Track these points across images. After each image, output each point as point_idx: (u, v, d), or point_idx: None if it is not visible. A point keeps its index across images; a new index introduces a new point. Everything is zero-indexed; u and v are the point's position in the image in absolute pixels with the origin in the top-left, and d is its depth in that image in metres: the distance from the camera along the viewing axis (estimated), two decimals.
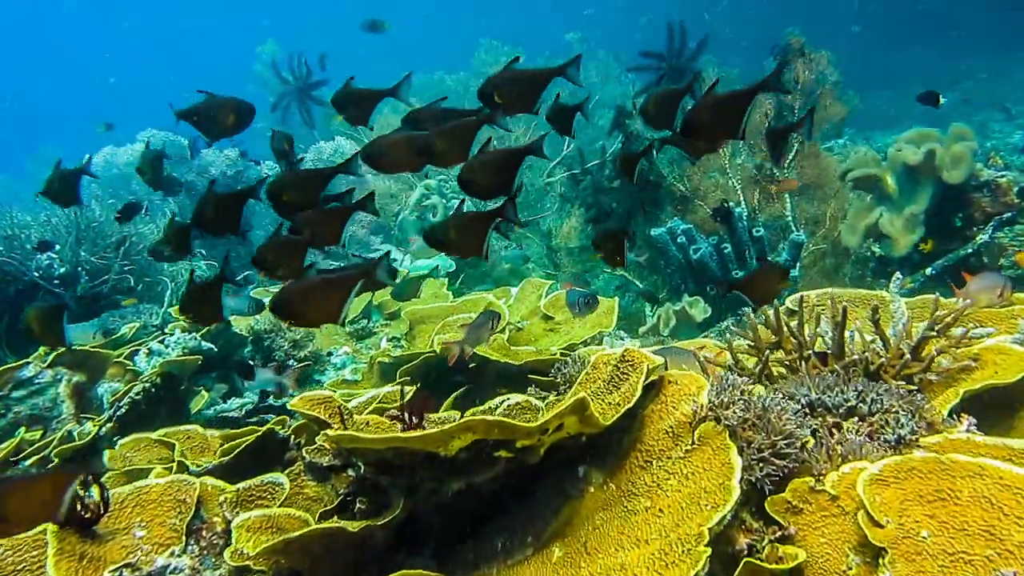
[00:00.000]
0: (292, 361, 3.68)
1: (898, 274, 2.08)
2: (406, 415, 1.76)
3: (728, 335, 3.37)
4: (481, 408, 2.09)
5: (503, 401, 2.07)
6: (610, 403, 1.61)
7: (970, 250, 4.05)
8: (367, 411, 2.05)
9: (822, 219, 4.72)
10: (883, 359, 1.86)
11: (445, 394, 3.22)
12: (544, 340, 3.65)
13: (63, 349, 2.65)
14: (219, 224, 2.05)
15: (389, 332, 4.01)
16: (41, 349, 2.94)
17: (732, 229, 4.51)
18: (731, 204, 4.55)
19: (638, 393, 1.55)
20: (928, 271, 4.01)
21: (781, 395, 1.83)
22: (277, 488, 1.72)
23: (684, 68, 4.93)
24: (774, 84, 1.82)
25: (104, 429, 2.41)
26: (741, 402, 1.52)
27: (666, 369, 2.37)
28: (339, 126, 5.84)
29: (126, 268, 3.97)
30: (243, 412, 3.09)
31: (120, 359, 3.16)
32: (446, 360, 3.24)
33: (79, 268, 3.79)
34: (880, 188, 4.23)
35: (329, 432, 1.47)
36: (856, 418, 1.71)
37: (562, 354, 3.21)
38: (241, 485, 1.71)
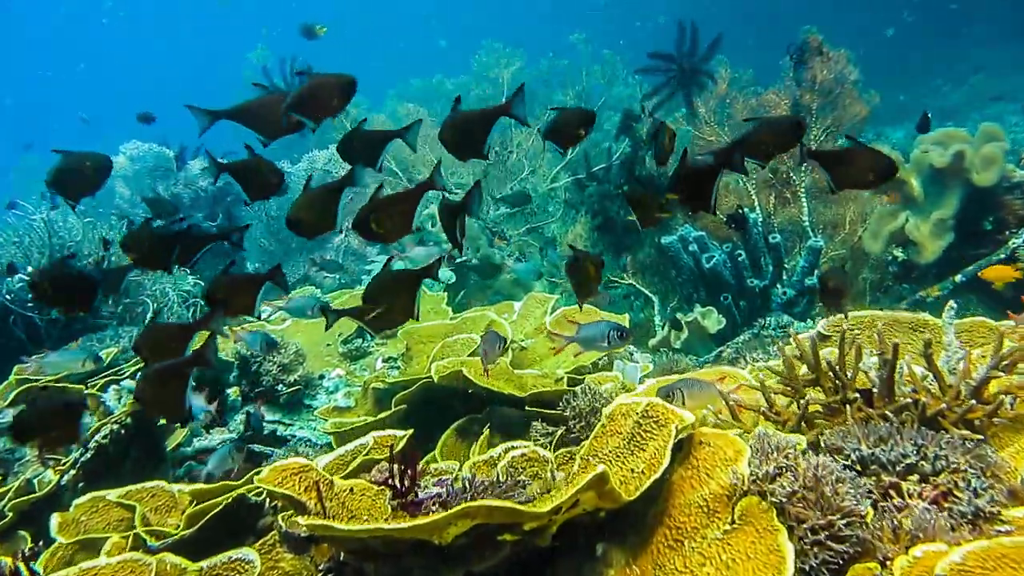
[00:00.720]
0: (281, 386, 3.45)
1: (952, 304, 1.84)
2: (396, 479, 1.53)
3: (751, 362, 3.13)
4: (482, 459, 1.85)
5: (506, 450, 1.83)
6: (633, 470, 1.37)
7: (1003, 255, 3.80)
8: (354, 463, 1.81)
9: (841, 223, 4.48)
10: (942, 405, 1.61)
11: (444, 423, 2.99)
12: (550, 361, 3.41)
13: (26, 386, 2.42)
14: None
15: (384, 352, 3.77)
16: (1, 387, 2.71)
17: (747, 236, 4.26)
18: (745, 209, 4.31)
19: (666, 461, 1.31)
20: (958, 278, 3.77)
21: (827, 448, 1.59)
22: (247, 567, 1.48)
23: (696, 69, 4.68)
24: (738, 165, 1.87)
25: (67, 478, 2.18)
26: (789, 472, 1.27)
27: (683, 404, 2.14)
28: (333, 134, 5.61)
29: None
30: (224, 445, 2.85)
31: (93, 391, 2.93)
32: (444, 387, 3.02)
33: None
34: (904, 191, 3.98)
35: (302, 520, 1.24)
36: (917, 477, 1.47)
37: (570, 379, 2.98)
38: (205, 564, 1.48)
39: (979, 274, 3.67)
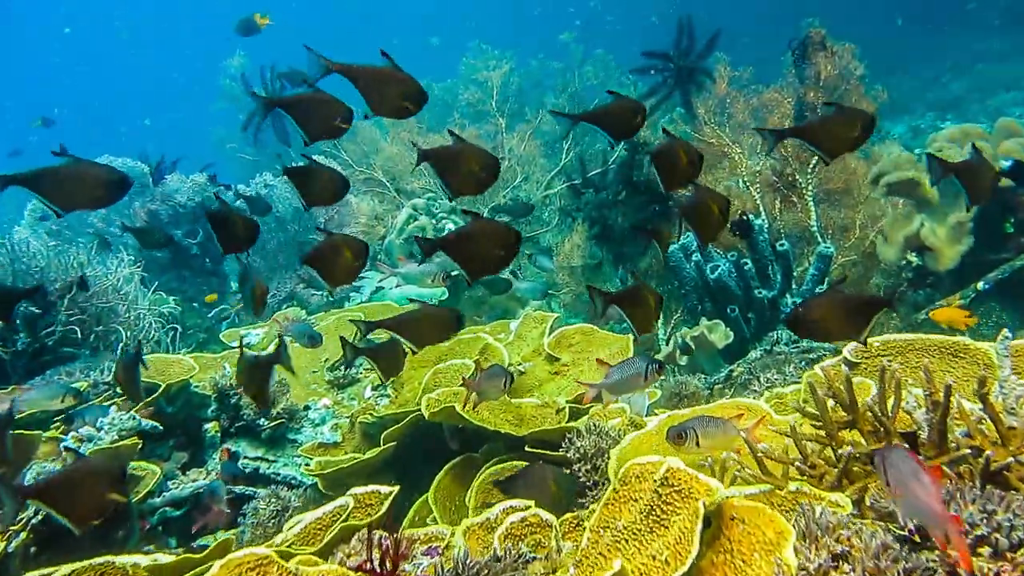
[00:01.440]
0: (263, 420, 3.22)
1: (1006, 332, 1.62)
2: (376, 562, 1.31)
3: (765, 385, 2.91)
4: (478, 522, 1.62)
5: (505, 512, 1.61)
6: (654, 556, 1.14)
7: None
8: (331, 533, 1.59)
9: (851, 227, 4.27)
10: (1009, 458, 1.39)
11: (437, 462, 2.77)
12: (549, 386, 3.19)
13: None
14: None
15: (374, 378, 3.54)
16: None
17: (753, 243, 4.05)
18: (750, 215, 4.09)
19: (694, 550, 1.09)
20: (981, 285, 3.55)
21: (875, 512, 1.37)
22: None
23: (693, 68, 4.46)
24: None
25: (13, 545, 1.95)
26: (845, 563, 1.05)
27: (697, 445, 1.92)
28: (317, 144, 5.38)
29: (74, 318, 3.50)
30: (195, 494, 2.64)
31: (56, 433, 2.70)
32: (436, 422, 2.80)
33: (16, 320, 3.33)
34: (918, 193, 3.77)
35: None
36: (989, 551, 1.25)
37: (572, 408, 2.75)
38: None
39: (929, 314, 3.46)
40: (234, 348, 4.15)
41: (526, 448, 2.32)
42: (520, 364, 3.36)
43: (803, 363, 3.33)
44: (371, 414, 2.96)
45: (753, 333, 4.10)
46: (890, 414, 1.61)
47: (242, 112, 6.19)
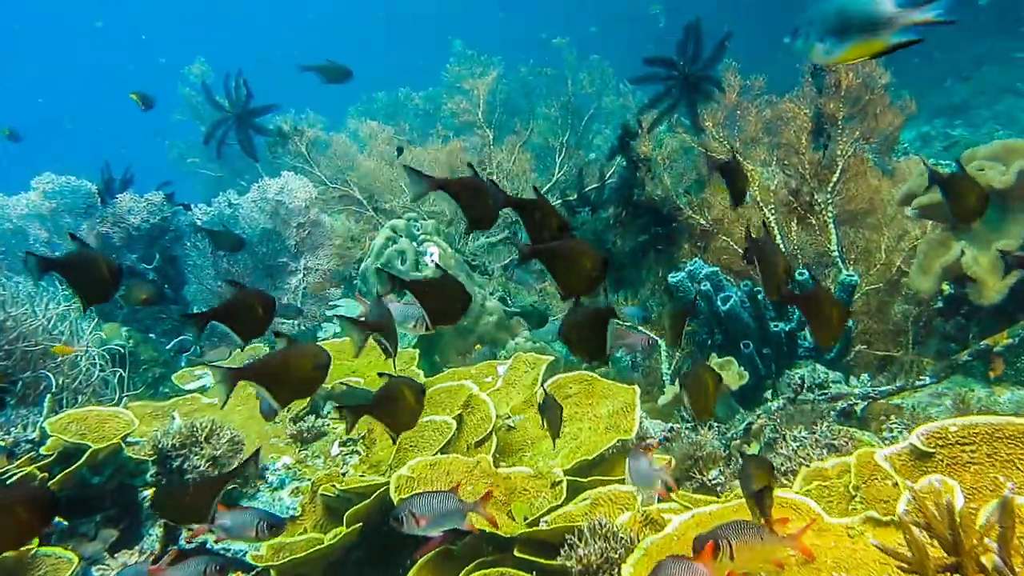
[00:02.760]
0: None
1: None
2: None
3: (798, 451, 2.48)
4: None
5: None
6: None
7: None
8: None
9: (875, 250, 3.85)
10: None
11: (410, 548, 2.33)
12: (544, 446, 2.76)
13: None
14: None
15: (342, 432, 3.09)
16: None
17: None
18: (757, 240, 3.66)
19: None
20: None
21: None
22: None
23: (700, 76, 4.04)
24: None
25: None
26: None
27: (731, 558, 1.54)
28: (286, 159, 4.93)
29: None
30: None
31: None
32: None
33: None
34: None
35: None
36: None
37: (571, 482, 2.32)
38: None
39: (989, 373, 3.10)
40: (189, 392, 3.72)
41: (515, 551, 1.88)
42: (509, 417, 2.93)
43: (834, 415, 2.91)
44: (334, 485, 2.51)
45: (768, 369, 3.68)
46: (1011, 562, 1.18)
47: (203, 124, 5.71)
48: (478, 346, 4.20)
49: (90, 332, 3.49)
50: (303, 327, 4.61)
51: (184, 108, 6.02)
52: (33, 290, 3.31)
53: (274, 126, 5.21)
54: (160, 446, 2.74)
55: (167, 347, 4.53)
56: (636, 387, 2.69)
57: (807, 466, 2.16)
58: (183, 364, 4.55)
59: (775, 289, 1.84)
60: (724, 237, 4.04)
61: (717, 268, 3.70)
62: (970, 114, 9.14)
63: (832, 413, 2.80)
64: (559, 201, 4.89)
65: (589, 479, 2.30)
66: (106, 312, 4.40)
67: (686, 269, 3.77)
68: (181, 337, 4.66)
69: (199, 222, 4.62)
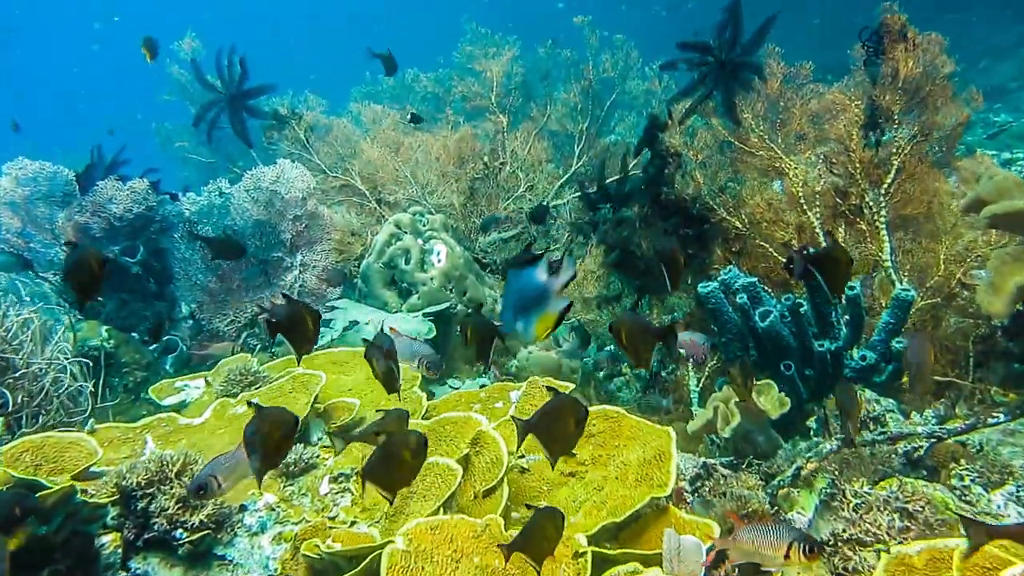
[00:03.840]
0: (180, 531, 2.41)
1: None
2: None
3: (862, 513, 2.10)
4: None
5: None
6: None
7: None
8: None
9: (934, 263, 3.45)
10: None
11: None
12: (562, 493, 2.39)
13: None
14: None
15: (334, 466, 2.74)
16: None
17: (813, 285, 3.23)
18: (809, 248, 3.26)
19: None
20: None
21: None
22: None
23: (739, 63, 3.61)
24: None
25: None
26: None
27: None
28: (283, 145, 4.54)
29: None
30: None
31: None
32: None
33: None
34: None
35: None
36: None
37: (595, 553, 1.96)
38: None
39: None
40: (166, 408, 3.37)
41: None
42: (523, 456, 2.57)
43: (903, 465, 2.53)
44: (318, 544, 2.15)
45: (811, 392, 3.32)
46: None
47: (193, 105, 5.27)
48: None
49: (58, 339, 3.13)
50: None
51: (172, 87, 5.59)
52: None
53: (270, 108, 4.82)
54: (125, 485, 2.39)
55: (151, 348, 4.18)
56: (671, 431, 2.32)
57: (884, 549, 1.78)
58: (168, 366, 4.22)
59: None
60: (762, 243, 3.64)
61: (756, 279, 3.31)
62: (1009, 97, 8.63)
63: (903, 465, 2.42)
64: (577, 194, 4.49)
65: (619, 552, 1.93)
66: (88, 307, 4.06)
67: (719, 278, 3.39)
68: (167, 337, 4.31)
69: (187, 212, 4.25)
